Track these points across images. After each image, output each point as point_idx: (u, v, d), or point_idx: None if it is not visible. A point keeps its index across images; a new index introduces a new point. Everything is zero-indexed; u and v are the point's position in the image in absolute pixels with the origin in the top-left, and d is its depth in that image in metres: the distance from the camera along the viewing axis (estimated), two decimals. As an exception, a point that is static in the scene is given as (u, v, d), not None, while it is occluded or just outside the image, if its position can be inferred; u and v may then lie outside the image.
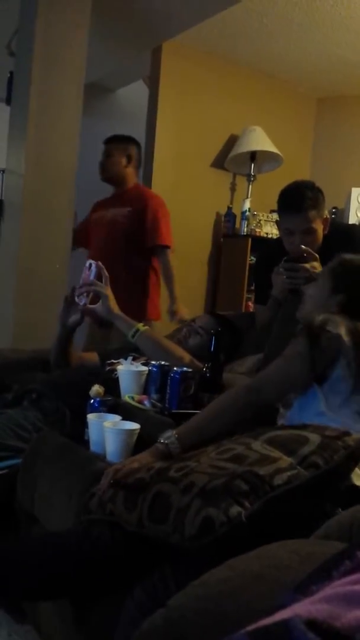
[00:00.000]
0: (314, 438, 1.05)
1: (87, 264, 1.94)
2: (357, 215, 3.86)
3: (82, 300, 1.91)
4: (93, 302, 1.92)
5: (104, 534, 1.11)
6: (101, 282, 1.91)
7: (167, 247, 3.07)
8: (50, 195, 2.82)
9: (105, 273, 1.92)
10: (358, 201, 3.86)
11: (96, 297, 1.91)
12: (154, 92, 3.80)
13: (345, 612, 0.37)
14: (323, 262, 1.91)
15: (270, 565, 0.55)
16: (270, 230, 3.87)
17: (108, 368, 2.02)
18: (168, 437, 1.27)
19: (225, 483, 0.95)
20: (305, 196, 1.91)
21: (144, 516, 1.02)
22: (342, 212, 3.92)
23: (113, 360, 2.08)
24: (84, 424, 1.58)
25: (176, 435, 1.26)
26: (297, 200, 1.92)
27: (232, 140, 3.95)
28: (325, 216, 1.99)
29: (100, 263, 1.93)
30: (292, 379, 1.32)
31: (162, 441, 1.27)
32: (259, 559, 0.57)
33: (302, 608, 0.38)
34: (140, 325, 1.85)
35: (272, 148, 3.78)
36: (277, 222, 2.10)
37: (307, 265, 1.88)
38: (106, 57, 3.77)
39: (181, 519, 0.93)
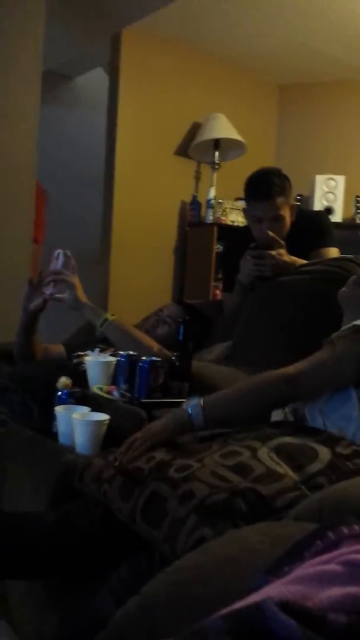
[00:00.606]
0: (324, 454, 1.02)
1: (55, 253, 1.92)
2: (322, 203, 3.89)
3: (49, 289, 1.89)
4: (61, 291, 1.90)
5: (83, 518, 1.10)
6: (69, 271, 1.89)
7: None
8: (9, 186, 2.77)
9: (73, 262, 1.90)
10: (323, 188, 3.89)
11: (63, 286, 1.89)
12: (114, 79, 3.75)
13: (317, 592, 0.38)
14: (290, 249, 1.92)
15: (243, 548, 0.55)
16: (236, 218, 3.87)
17: (75, 360, 2.00)
18: (194, 405, 1.19)
19: (225, 500, 0.92)
20: (273, 183, 1.91)
21: (137, 512, 0.99)
22: (307, 200, 3.95)
23: (80, 352, 2.06)
24: (52, 417, 1.56)
25: (202, 406, 1.18)
26: (264, 187, 1.92)
27: (195, 128, 3.93)
28: (292, 203, 2.00)
29: (68, 252, 1.90)
30: (338, 378, 1.23)
31: (186, 409, 1.20)
32: (231, 543, 0.57)
33: (275, 590, 0.39)
34: (108, 315, 1.83)
35: (235, 136, 3.78)
36: (244, 209, 2.10)
37: (274, 252, 1.89)
38: (64, 44, 3.70)
39: (175, 531, 0.90)
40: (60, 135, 4.15)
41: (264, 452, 1.02)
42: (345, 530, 0.45)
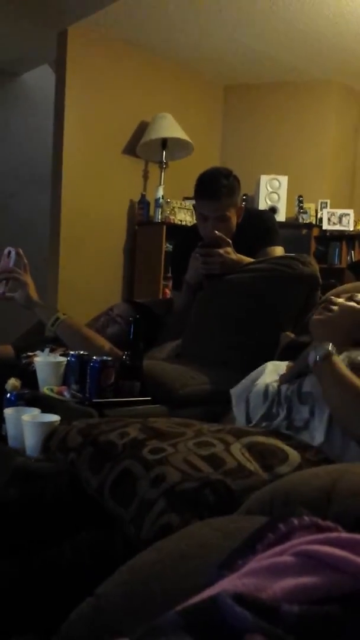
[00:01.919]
0: (294, 458, 1.03)
1: (6, 251, 1.89)
2: (266, 202, 3.96)
3: (0, 288, 1.85)
4: (12, 290, 1.87)
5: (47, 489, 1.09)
6: (21, 269, 1.86)
7: None
8: None
9: (25, 260, 1.88)
10: (267, 188, 3.96)
11: (15, 285, 1.86)
12: (60, 77, 3.70)
13: (270, 584, 0.39)
14: (237, 247, 1.95)
15: (196, 544, 0.56)
16: (184, 217, 3.90)
17: (25, 361, 1.97)
18: (325, 355, 1.22)
19: (195, 489, 0.93)
20: (221, 184, 1.94)
21: (106, 487, 0.99)
22: (252, 199, 4.02)
23: (29, 353, 2.03)
24: (1, 420, 1.53)
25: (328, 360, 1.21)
26: (213, 187, 1.94)
27: (143, 127, 3.93)
28: (239, 204, 2.03)
29: (20, 250, 1.88)
30: None
31: (316, 356, 1.22)
32: (183, 539, 0.58)
33: (229, 583, 0.39)
34: (60, 314, 1.82)
35: (182, 135, 3.80)
36: (193, 206, 2.12)
37: (221, 251, 1.92)
38: (11, 40, 3.63)
39: (142, 513, 0.91)
40: (6, 134, 4.07)
41: (236, 448, 1.04)
42: (295, 521, 0.46)
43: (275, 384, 1.45)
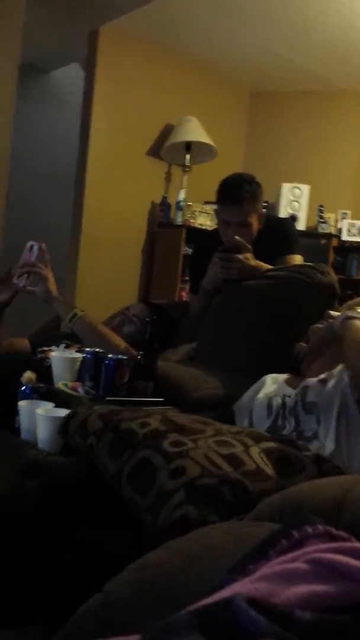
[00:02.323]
0: (311, 469, 1.04)
1: (29, 245, 1.90)
2: (286, 210, 3.96)
3: (21, 282, 1.86)
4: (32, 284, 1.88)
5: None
6: (42, 264, 1.88)
7: None
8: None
9: (47, 256, 1.89)
10: (288, 196, 3.96)
11: (36, 279, 1.87)
12: (89, 76, 3.73)
13: (283, 590, 0.39)
14: (257, 254, 1.95)
15: (206, 546, 0.56)
16: (204, 221, 3.90)
17: (40, 355, 1.98)
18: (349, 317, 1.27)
19: (214, 486, 0.93)
20: (243, 189, 1.94)
21: (124, 474, 1.00)
22: (272, 206, 4.01)
23: (45, 348, 2.04)
24: (14, 412, 1.54)
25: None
26: (235, 192, 1.94)
27: (168, 130, 3.95)
28: (260, 211, 2.03)
29: (44, 245, 1.89)
30: None
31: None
32: (195, 541, 0.58)
33: (242, 587, 0.40)
34: (78, 310, 1.83)
35: (206, 139, 3.81)
36: (215, 211, 2.13)
37: (241, 256, 1.92)
38: (42, 37, 3.66)
39: (160, 503, 0.91)
40: (31, 129, 4.10)
41: (255, 451, 1.05)
42: (309, 529, 0.46)
43: (279, 398, 1.45)
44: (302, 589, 0.39)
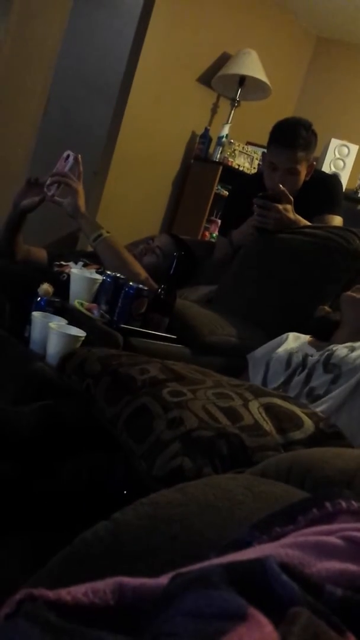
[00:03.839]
0: (308, 426, 1.03)
1: (65, 155, 1.82)
2: (330, 167, 3.82)
3: (50, 190, 1.80)
4: (62, 195, 1.82)
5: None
6: (75, 176, 1.81)
7: None
8: (25, 73, 2.60)
9: (80, 168, 1.82)
10: (335, 153, 3.81)
11: (66, 191, 1.81)
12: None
13: (315, 562, 0.37)
14: (297, 208, 1.88)
15: (224, 497, 0.55)
16: (243, 162, 3.77)
17: (56, 269, 1.95)
18: None
19: (210, 438, 0.92)
20: (299, 135, 1.85)
21: (121, 419, 0.99)
22: (317, 161, 3.87)
23: (62, 262, 2.01)
24: (25, 321, 1.53)
25: None
26: (290, 136, 1.86)
27: (224, 59, 3.74)
28: (311, 161, 1.95)
29: (79, 156, 1.81)
30: None
31: None
32: (211, 488, 0.57)
33: (273, 550, 0.38)
34: (104, 231, 1.78)
35: (262, 77, 3.62)
36: (263, 153, 2.03)
37: (280, 207, 1.85)
38: None
39: (156, 452, 0.91)
40: (83, 32, 3.89)
41: (254, 406, 1.03)
42: (343, 504, 0.45)
43: (300, 354, 1.43)
44: (335, 564, 0.37)
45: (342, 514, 0.44)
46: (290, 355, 1.44)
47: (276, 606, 0.32)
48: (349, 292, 1.48)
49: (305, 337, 1.51)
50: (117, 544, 0.51)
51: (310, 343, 1.48)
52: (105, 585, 0.35)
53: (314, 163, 2.00)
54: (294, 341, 1.50)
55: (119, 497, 0.90)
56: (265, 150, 2.02)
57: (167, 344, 1.60)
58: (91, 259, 2.01)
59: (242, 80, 3.65)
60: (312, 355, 1.40)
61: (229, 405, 1.03)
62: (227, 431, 0.96)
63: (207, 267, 2.23)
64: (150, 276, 1.80)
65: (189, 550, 0.48)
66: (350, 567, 0.37)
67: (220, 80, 3.71)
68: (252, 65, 3.60)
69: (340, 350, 1.33)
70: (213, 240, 3.07)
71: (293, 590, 0.33)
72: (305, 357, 1.42)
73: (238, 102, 3.73)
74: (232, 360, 1.62)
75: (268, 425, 1.02)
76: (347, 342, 1.38)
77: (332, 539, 0.40)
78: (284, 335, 1.54)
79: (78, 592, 0.34)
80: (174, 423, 0.96)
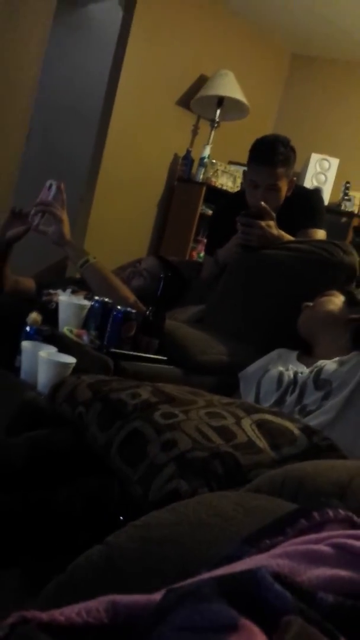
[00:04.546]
0: (302, 441, 1.03)
1: (48, 184, 1.84)
2: (312, 182, 3.87)
3: (35, 220, 1.82)
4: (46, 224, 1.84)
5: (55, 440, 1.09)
6: (59, 204, 1.83)
7: None
8: (5, 101, 2.63)
9: (64, 196, 1.84)
10: (316, 168, 3.86)
11: (51, 219, 1.83)
12: (128, 14, 3.57)
13: (305, 570, 0.38)
14: (280, 223, 1.91)
15: (216, 514, 0.55)
16: (225, 182, 3.82)
17: (45, 298, 1.96)
18: None
19: (205, 459, 0.92)
20: (278, 151, 1.88)
21: (115, 445, 0.99)
22: (298, 176, 3.92)
23: (51, 291, 2.02)
24: (14, 351, 1.53)
25: None
26: (269, 153, 1.88)
27: (202, 81, 3.81)
28: (291, 177, 1.98)
29: (62, 185, 1.83)
30: None
31: None
32: (203, 507, 0.57)
33: (264, 561, 0.38)
34: (90, 257, 1.80)
35: (240, 96, 3.69)
36: (244, 172, 2.06)
37: (263, 223, 1.87)
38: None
39: (151, 476, 0.90)
40: (62, 61, 3.95)
41: (247, 423, 1.03)
42: (330, 512, 0.45)
43: (291, 373, 1.45)
44: (325, 571, 0.38)
45: (330, 523, 0.44)
46: (281, 373, 1.46)
47: (269, 616, 0.32)
48: (305, 303, 1.53)
49: (294, 353, 1.53)
50: (110, 567, 0.51)
51: (299, 358, 1.49)
52: (98, 604, 0.35)
53: (295, 179, 2.03)
54: (283, 358, 1.51)
55: (115, 524, 0.90)
56: (245, 169, 2.05)
57: (158, 365, 1.60)
58: (80, 286, 2.02)
59: (221, 101, 3.71)
60: (301, 373, 1.41)
61: (222, 424, 1.03)
62: (221, 450, 0.96)
63: (196, 287, 2.25)
64: (139, 299, 1.81)
65: (181, 569, 0.48)
66: (340, 572, 0.37)
67: (198, 102, 3.77)
68: (229, 86, 3.67)
69: (330, 365, 1.34)
70: (200, 260, 3.09)
71: (286, 599, 0.33)
72: (295, 374, 1.43)
73: (218, 122, 3.79)
74: (224, 378, 1.63)
75: (262, 442, 1.02)
76: (332, 357, 1.40)
77: (321, 547, 0.40)
78: (273, 352, 1.55)
79: (71, 612, 0.34)
80: (168, 445, 0.96)
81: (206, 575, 0.38)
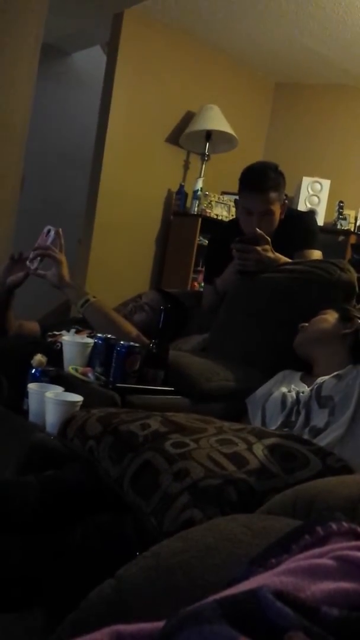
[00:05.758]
0: (315, 464, 1.02)
1: (46, 230, 1.88)
2: (305, 204, 3.91)
3: (34, 264, 1.85)
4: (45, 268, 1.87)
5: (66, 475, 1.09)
6: (57, 248, 1.86)
7: None
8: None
9: (62, 241, 1.87)
10: (308, 190, 3.91)
11: (49, 263, 1.86)
12: (112, 60, 3.69)
13: (309, 585, 0.37)
14: (276, 247, 1.93)
15: (224, 538, 0.55)
16: (220, 212, 3.87)
17: (49, 339, 1.98)
18: None
19: (218, 487, 0.92)
20: (268, 177, 1.91)
21: (127, 477, 0.99)
22: (291, 200, 3.96)
23: (55, 332, 2.03)
24: (22, 394, 1.54)
25: None
26: (260, 180, 1.91)
27: (189, 117, 3.91)
28: (283, 201, 2.01)
29: (60, 230, 1.87)
30: None
31: None
32: (211, 532, 0.57)
33: (267, 580, 0.38)
34: (90, 296, 1.82)
35: (227, 129, 3.77)
36: (236, 200, 2.09)
37: (259, 248, 1.89)
38: (63, 18, 3.62)
39: (164, 507, 0.90)
40: (51, 110, 4.07)
41: (258, 448, 1.03)
42: (334, 526, 0.45)
43: (294, 394, 1.44)
44: (329, 585, 0.37)
45: (334, 536, 0.44)
46: (284, 395, 1.46)
47: (272, 634, 0.32)
48: (301, 324, 1.55)
49: (298, 374, 1.53)
50: (120, 600, 0.51)
51: (302, 379, 1.49)
52: (101, 636, 0.35)
53: (287, 202, 2.06)
54: (287, 379, 1.51)
55: (131, 559, 0.89)
56: (237, 198, 2.08)
57: (165, 396, 1.60)
58: (83, 325, 2.04)
59: (209, 134, 3.80)
60: (303, 392, 1.41)
61: (234, 450, 1.03)
62: (234, 477, 0.95)
63: (198, 316, 2.26)
64: (143, 333, 1.82)
65: (191, 596, 0.48)
66: (343, 585, 0.37)
67: (187, 138, 3.85)
68: (215, 120, 3.75)
69: (328, 381, 1.35)
70: (202, 289, 3.11)
71: (288, 616, 0.33)
72: (297, 394, 1.43)
73: (208, 155, 3.87)
74: (231, 404, 1.62)
75: (275, 467, 1.01)
76: (331, 372, 1.40)
77: (324, 561, 0.40)
78: (279, 374, 1.56)
79: (76, 646, 0.34)
80: (180, 475, 0.95)
81: (210, 598, 0.38)
